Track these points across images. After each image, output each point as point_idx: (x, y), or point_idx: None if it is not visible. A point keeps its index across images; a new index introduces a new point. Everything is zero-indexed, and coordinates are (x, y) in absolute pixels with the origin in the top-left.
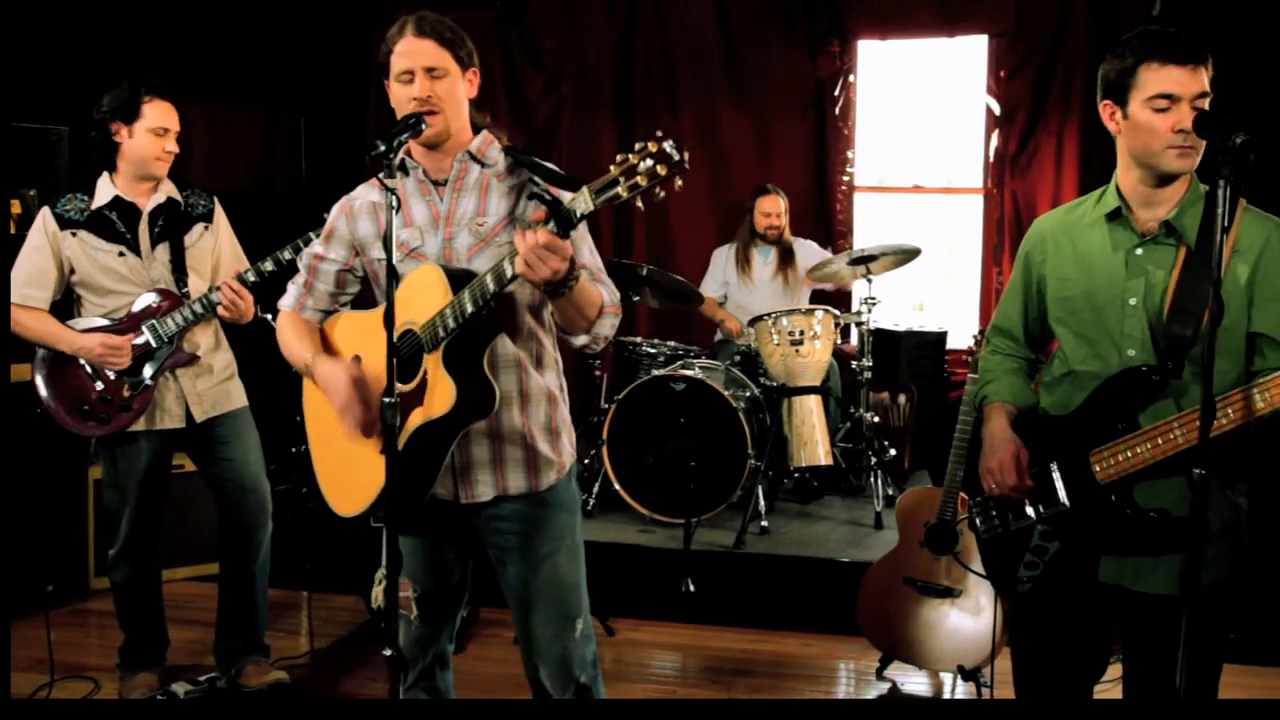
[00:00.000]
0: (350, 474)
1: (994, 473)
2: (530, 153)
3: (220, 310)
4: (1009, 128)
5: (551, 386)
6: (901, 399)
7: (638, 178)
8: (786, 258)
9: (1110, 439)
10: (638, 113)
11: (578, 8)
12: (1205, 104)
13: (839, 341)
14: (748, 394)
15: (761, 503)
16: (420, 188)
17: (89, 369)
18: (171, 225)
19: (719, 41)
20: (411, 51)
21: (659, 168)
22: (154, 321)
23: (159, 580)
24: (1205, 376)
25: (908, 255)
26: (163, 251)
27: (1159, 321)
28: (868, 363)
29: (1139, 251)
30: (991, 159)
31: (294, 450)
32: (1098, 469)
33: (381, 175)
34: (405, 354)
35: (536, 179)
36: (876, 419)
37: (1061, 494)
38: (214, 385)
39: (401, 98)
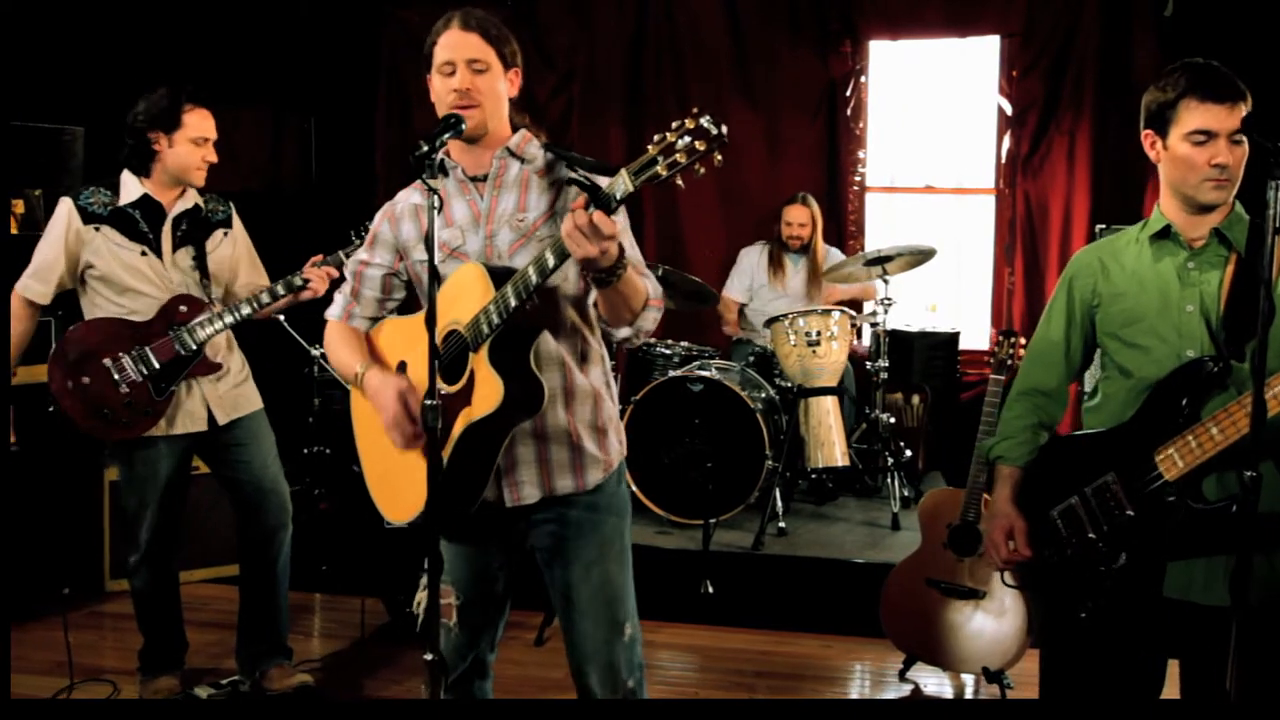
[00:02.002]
0: (401, 480)
1: (988, 546)
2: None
3: (310, 291)
4: (1021, 128)
5: (597, 383)
6: (915, 400)
7: (677, 155)
8: (815, 270)
9: (1174, 434)
10: (648, 112)
11: (588, 7)
12: (1243, 138)
13: (854, 342)
14: (763, 395)
15: (779, 504)
16: (460, 187)
17: (115, 373)
18: (193, 230)
19: (730, 41)
20: (455, 44)
21: (698, 143)
22: (183, 328)
23: (177, 583)
24: (1256, 379)
25: (924, 256)
26: (184, 257)
27: (1216, 322)
28: (884, 363)
29: (1191, 265)
30: (1003, 159)
31: (305, 451)
32: (1164, 467)
33: (424, 176)
34: (450, 355)
35: (576, 167)
36: (893, 420)
37: (1125, 503)
38: (233, 387)
39: (442, 90)
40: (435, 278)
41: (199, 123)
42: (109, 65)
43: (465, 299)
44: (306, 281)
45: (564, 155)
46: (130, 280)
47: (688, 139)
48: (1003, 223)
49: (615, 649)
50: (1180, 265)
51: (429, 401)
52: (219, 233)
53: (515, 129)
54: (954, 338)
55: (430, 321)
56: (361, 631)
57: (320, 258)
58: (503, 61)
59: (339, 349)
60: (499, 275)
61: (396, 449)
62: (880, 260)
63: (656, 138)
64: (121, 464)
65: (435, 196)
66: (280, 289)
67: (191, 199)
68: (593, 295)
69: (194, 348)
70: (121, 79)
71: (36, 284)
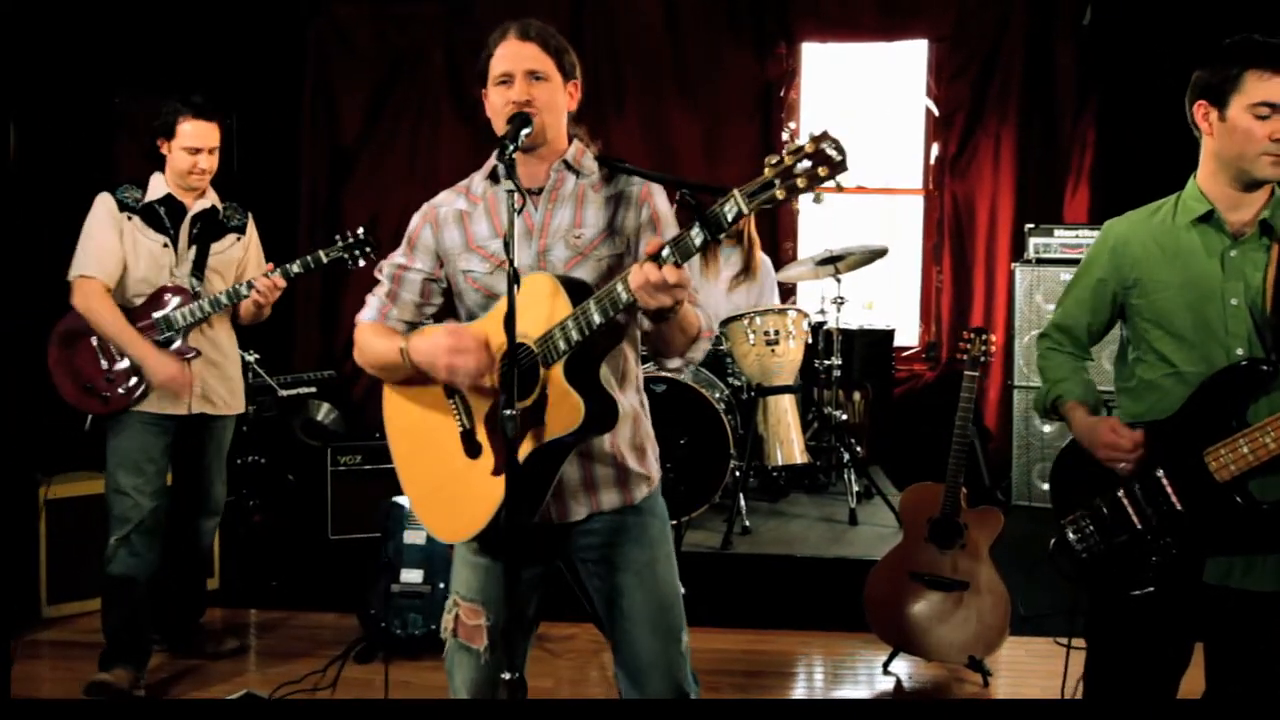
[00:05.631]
0: (457, 495)
1: (1110, 457)
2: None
3: (254, 296)
4: (948, 130)
5: (634, 403)
6: (856, 396)
7: (796, 179)
8: (749, 266)
9: (1224, 436)
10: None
11: (526, 4)
12: None
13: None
14: (717, 395)
15: (742, 502)
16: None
17: (99, 351)
18: (206, 230)
19: (667, 42)
20: (512, 55)
21: (820, 169)
22: (165, 314)
23: (152, 578)
24: None
25: (874, 255)
26: (193, 252)
27: (1263, 319)
28: (837, 361)
29: (1234, 253)
30: (932, 161)
31: (239, 461)
32: (1215, 468)
33: (509, 178)
34: (522, 367)
35: (685, 182)
36: (845, 416)
37: (1174, 498)
38: (227, 384)
39: (499, 102)
40: (515, 279)
41: (192, 133)
42: (31, 59)
43: (534, 311)
44: (252, 288)
45: (621, 168)
46: (147, 269)
47: (808, 164)
48: (931, 223)
49: (674, 657)
50: (1223, 253)
51: (507, 411)
52: (231, 236)
53: (570, 141)
54: (889, 335)
55: (510, 327)
56: (345, 650)
57: (271, 266)
58: (562, 72)
59: (374, 341)
60: (572, 288)
61: (448, 462)
62: (833, 260)
63: (773, 160)
64: (111, 436)
65: (517, 196)
66: (242, 289)
67: (210, 201)
68: (644, 324)
69: (169, 333)
70: (44, 73)
71: (111, 267)
